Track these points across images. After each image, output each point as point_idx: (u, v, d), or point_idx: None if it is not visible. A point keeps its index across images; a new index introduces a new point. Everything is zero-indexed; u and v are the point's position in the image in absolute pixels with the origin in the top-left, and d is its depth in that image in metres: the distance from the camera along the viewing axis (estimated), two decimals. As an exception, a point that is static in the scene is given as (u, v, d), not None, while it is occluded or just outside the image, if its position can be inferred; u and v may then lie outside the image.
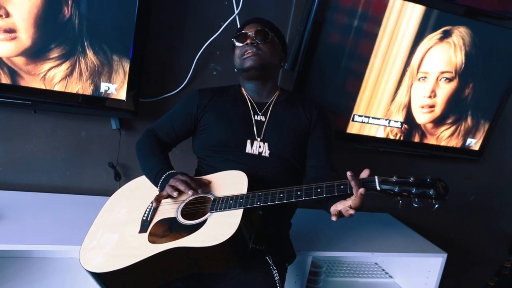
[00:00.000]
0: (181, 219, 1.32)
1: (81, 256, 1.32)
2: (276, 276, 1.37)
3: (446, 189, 1.10)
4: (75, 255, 1.87)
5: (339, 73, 2.09)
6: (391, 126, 2.26)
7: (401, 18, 2.07)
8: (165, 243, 1.24)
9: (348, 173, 1.16)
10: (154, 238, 1.28)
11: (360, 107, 2.18)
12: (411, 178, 1.13)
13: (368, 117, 2.21)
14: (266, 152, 1.48)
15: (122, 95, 1.83)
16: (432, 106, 2.30)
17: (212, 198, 1.35)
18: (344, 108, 2.16)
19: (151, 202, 1.41)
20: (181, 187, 1.34)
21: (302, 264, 1.87)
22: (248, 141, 1.49)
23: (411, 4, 2.05)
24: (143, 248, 1.25)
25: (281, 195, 1.25)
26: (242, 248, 1.24)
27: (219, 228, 1.22)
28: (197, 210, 1.34)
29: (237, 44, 1.54)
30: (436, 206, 1.08)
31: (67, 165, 1.98)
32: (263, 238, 1.46)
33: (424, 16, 2.09)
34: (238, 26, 1.96)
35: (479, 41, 2.24)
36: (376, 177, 1.16)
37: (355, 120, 2.20)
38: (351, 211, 1.18)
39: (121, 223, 1.40)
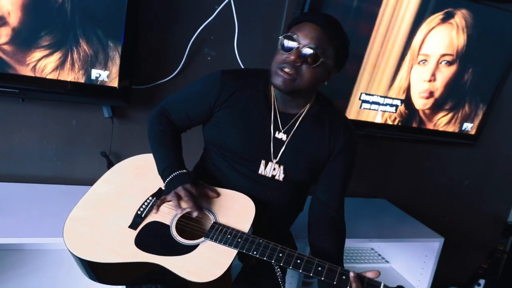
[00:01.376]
0: (174, 232, 1.26)
1: (66, 230, 1.26)
2: (278, 271, 1.34)
3: None
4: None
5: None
6: (389, 112, 2.23)
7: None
8: (149, 253, 1.19)
9: (351, 274, 1.10)
10: (140, 241, 1.23)
11: (358, 92, 2.15)
12: None
13: (368, 102, 2.18)
14: (280, 176, 1.37)
15: (114, 82, 1.77)
16: (431, 92, 2.28)
17: (212, 221, 1.28)
18: (342, 93, 2.13)
19: (151, 196, 1.35)
20: (186, 202, 1.26)
21: (300, 251, 1.85)
22: (263, 162, 1.36)
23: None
24: (127, 250, 1.21)
25: (280, 255, 1.16)
26: (225, 285, 1.20)
27: (207, 264, 1.17)
28: (193, 227, 1.29)
29: (278, 46, 1.28)
30: None
31: (58, 155, 1.93)
32: (263, 234, 1.40)
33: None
34: (234, 10, 1.91)
35: (480, 24, 2.22)
36: (382, 284, 1.09)
37: (355, 102, 2.17)
38: None
39: (114, 206, 1.33)
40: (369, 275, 1.13)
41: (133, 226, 1.27)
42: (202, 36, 1.93)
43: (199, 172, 1.50)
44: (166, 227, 1.27)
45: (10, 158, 1.87)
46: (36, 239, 1.52)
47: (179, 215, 1.30)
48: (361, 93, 2.16)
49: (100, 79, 1.75)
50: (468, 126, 2.47)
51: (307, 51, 1.23)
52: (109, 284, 1.29)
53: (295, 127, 1.37)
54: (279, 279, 1.33)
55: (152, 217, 1.30)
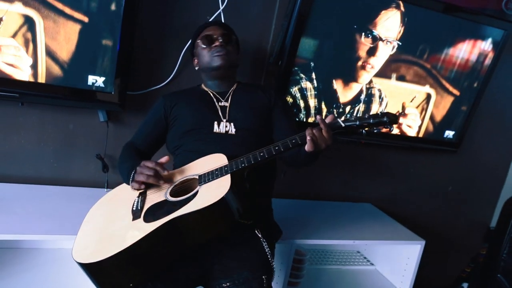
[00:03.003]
0: (172, 198, 1.35)
1: (74, 251, 1.27)
2: (267, 248, 1.46)
3: (395, 116, 1.32)
4: (63, 245, 1.94)
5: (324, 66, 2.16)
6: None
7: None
8: (161, 219, 1.25)
9: (318, 117, 1.36)
10: (148, 218, 1.29)
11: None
12: (367, 115, 1.35)
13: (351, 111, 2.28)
14: (232, 130, 1.61)
15: (109, 87, 1.85)
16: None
17: (197, 177, 1.41)
18: (330, 93, 2.23)
19: (137, 196, 1.43)
20: (144, 177, 1.41)
21: (286, 252, 1.93)
22: (215, 122, 1.62)
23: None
24: (141, 229, 1.25)
25: (261, 153, 1.35)
26: (236, 208, 1.28)
27: (211, 192, 1.27)
28: (185, 189, 1.40)
29: (203, 46, 1.69)
30: (392, 128, 1.30)
31: (55, 157, 2.00)
32: (249, 213, 1.50)
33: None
34: (223, 21, 2.01)
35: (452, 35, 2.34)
36: (338, 119, 1.37)
37: (339, 111, 2.27)
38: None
39: (110, 220, 1.39)
40: (328, 120, 1.39)
41: (135, 217, 1.33)
42: (194, 45, 2.02)
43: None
44: (164, 201, 1.36)
45: (9, 160, 1.94)
46: (33, 236, 1.58)
47: (170, 189, 1.40)
48: (339, 106, 2.25)
49: (96, 85, 1.84)
50: (449, 134, 2.57)
51: (224, 35, 1.68)
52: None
53: (231, 95, 1.71)
54: (268, 255, 1.45)
55: (148, 205, 1.38)
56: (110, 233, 1.31)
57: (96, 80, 1.83)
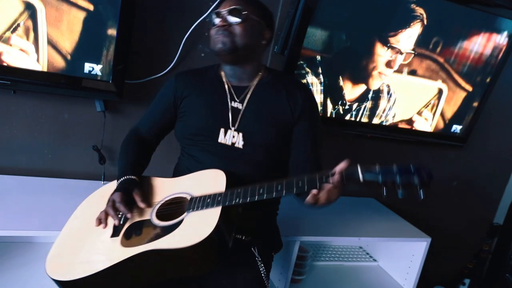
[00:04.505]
0: (155, 221, 1.25)
1: (48, 265, 1.23)
2: (262, 268, 1.35)
3: (430, 176, 1.03)
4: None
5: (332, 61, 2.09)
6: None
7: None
8: (138, 245, 1.17)
9: (337, 170, 1.11)
10: (127, 241, 1.22)
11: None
12: (394, 167, 1.05)
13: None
14: (239, 143, 1.38)
15: (107, 76, 1.76)
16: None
17: (188, 198, 1.28)
18: (336, 89, 2.15)
19: None
20: (110, 212, 1.28)
21: (290, 249, 1.88)
22: (222, 130, 1.39)
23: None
24: (116, 252, 1.19)
25: (261, 191, 1.16)
26: (221, 247, 1.18)
27: (195, 227, 1.16)
28: (173, 210, 1.28)
29: (211, 23, 1.39)
30: (422, 196, 1.03)
31: (49, 148, 1.92)
32: (248, 229, 1.42)
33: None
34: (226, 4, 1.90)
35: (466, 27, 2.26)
36: (358, 167, 1.07)
37: (345, 108, 2.20)
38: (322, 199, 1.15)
39: (90, 231, 1.31)
40: (342, 166, 1.11)
41: (115, 234, 1.26)
42: (196, 32, 1.94)
43: (177, 171, 1.54)
44: (147, 221, 1.27)
45: (1, 150, 1.86)
46: (25, 231, 1.51)
47: (157, 207, 1.30)
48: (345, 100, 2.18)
49: (93, 72, 1.75)
50: (457, 128, 2.50)
51: (230, 11, 1.33)
52: None
53: (249, 95, 1.42)
54: (263, 275, 1.35)
55: (131, 221, 1.29)
56: (86, 249, 1.25)
57: (93, 68, 1.75)
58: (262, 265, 1.38)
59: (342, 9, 1.99)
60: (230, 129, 1.39)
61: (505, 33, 2.33)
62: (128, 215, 1.26)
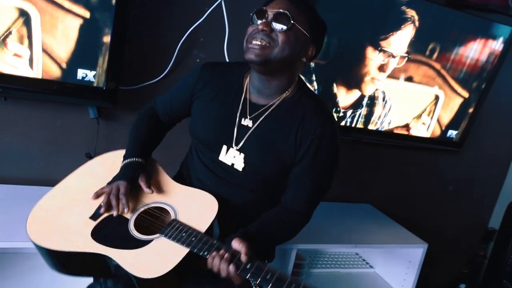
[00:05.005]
0: (131, 226, 1.25)
1: (30, 218, 1.27)
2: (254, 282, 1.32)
3: None
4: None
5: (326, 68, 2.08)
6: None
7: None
8: (102, 245, 1.19)
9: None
10: (97, 233, 1.23)
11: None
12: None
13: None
14: (239, 165, 1.30)
15: (100, 82, 1.74)
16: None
17: (172, 217, 1.27)
18: (331, 97, 2.14)
19: None
20: (112, 201, 1.27)
21: (286, 257, 1.87)
22: (224, 147, 1.32)
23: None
24: (83, 240, 1.21)
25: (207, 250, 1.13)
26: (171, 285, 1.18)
27: (155, 259, 1.15)
28: (151, 224, 1.27)
29: (251, 22, 1.24)
30: None
31: (41, 156, 1.89)
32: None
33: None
34: (224, 12, 1.89)
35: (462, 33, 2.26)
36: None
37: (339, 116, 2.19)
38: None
39: (80, 199, 1.33)
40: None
41: (93, 217, 1.27)
42: (191, 38, 1.92)
43: (182, 168, 1.52)
44: (125, 221, 1.27)
45: (-8, 159, 1.82)
46: (18, 243, 1.49)
47: (142, 209, 1.30)
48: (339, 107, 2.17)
49: (86, 79, 1.72)
50: (453, 133, 2.50)
51: (278, 13, 1.18)
52: (71, 274, 1.27)
53: (263, 116, 1.29)
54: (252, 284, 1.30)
55: (109, 212, 1.29)
56: (65, 222, 1.27)
57: (86, 74, 1.72)
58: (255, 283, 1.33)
59: (335, 15, 1.97)
60: (233, 147, 1.31)
61: (501, 39, 2.34)
62: (126, 210, 1.26)
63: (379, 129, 2.30)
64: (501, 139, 2.84)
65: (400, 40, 2.13)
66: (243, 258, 1.07)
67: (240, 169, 1.30)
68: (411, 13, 2.10)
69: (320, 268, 2.33)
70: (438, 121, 2.43)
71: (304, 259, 2.09)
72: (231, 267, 1.06)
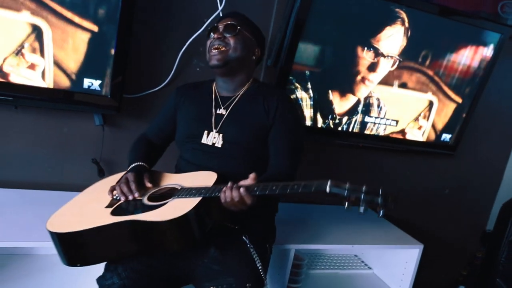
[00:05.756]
0: (145, 201, 1.39)
1: (49, 221, 1.37)
2: (255, 254, 1.43)
3: (395, 201, 1.10)
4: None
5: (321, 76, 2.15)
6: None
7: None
8: (123, 216, 1.30)
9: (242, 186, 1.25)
10: (116, 211, 1.35)
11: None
12: (364, 187, 1.13)
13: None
14: (219, 143, 1.54)
15: (105, 91, 1.82)
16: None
17: (179, 188, 1.42)
18: (326, 104, 2.21)
19: None
20: (123, 188, 1.42)
21: (285, 257, 1.91)
22: (205, 132, 1.57)
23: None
24: (103, 218, 1.31)
25: (217, 191, 1.28)
26: (188, 234, 1.27)
27: (172, 209, 1.28)
28: (163, 196, 1.41)
29: (207, 37, 1.59)
30: (381, 215, 1.10)
31: (49, 161, 1.97)
32: (239, 219, 1.48)
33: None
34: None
35: (453, 41, 2.33)
36: (329, 181, 1.14)
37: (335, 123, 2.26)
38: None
39: (93, 200, 1.48)
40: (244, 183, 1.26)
41: (109, 205, 1.40)
42: (191, 47, 2.01)
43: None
44: (139, 200, 1.40)
45: (3, 164, 1.91)
46: (26, 242, 1.56)
47: (152, 191, 1.45)
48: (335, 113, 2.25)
49: (92, 87, 1.81)
50: (446, 137, 2.57)
51: (225, 26, 1.52)
52: (84, 263, 1.34)
53: (233, 103, 1.59)
54: (256, 261, 1.43)
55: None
56: (83, 211, 1.42)
57: (92, 83, 1.81)
58: (254, 251, 1.44)
59: (329, 22, 2.06)
60: (212, 131, 1.56)
61: (491, 46, 2.41)
62: (136, 194, 1.41)
63: (375, 134, 2.37)
64: (495, 143, 2.88)
65: (389, 37, 2.18)
66: (252, 177, 1.26)
67: (220, 146, 1.54)
68: (401, 13, 2.17)
69: (319, 269, 2.37)
70: (432, 126, 2.50)
71: (302, 259, 2.13)
72: (242, 190, 1.23)
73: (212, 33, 1.56)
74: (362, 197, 1.10)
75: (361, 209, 1.10)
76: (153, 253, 1.39)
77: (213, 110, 1.60)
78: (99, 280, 1.37)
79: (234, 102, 1.60)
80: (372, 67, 2.22)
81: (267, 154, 1.57)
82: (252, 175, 1.27)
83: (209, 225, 1.32)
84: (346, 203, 1.11)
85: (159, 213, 1.29)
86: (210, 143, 1.55)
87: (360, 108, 2.29)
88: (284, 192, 1.18)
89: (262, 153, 1.57)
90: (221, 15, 1.98)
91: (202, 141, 1.56)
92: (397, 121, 2.40)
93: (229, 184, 1.26)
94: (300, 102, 2.16)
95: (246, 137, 1.54)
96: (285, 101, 1.60)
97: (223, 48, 1.51)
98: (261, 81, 1.70)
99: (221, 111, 1.59)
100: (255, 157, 1.56)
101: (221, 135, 1.54)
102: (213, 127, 1.57)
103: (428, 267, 2.72)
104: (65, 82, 1.77)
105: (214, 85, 1.66)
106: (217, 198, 1.28)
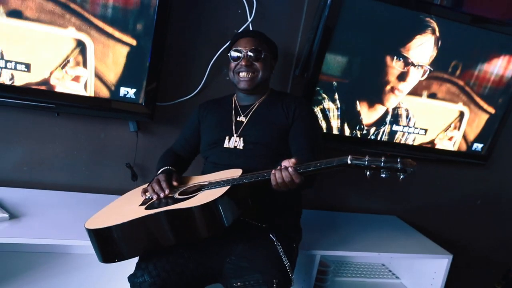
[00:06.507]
0: (177, 196, 1.47)
1: (87, 222, 1.44)
2: (281, 251, 1.49)
3: (413, 165, 1.14)
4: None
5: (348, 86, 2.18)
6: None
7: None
8: (156, 209, 1.37)
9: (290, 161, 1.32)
10: (150, 207, 1.42)
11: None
12: (382, 157, 1.17)
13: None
14: (240, 145, 1.64)
15: (140, 99, 1.92)
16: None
17: (207, 184, 1.49)
18: (354, 114, 2.23)
19: None
20: (155, 187, 1.51)
21: (311, 262, 1.94)
22: (227, 138, 1.66)
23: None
24: (138, 213, 1.37)
25: (265, 174, 1.35)
26: (216, 220, 1.32)
27: (203, 198, 1.34)
28: (193, 192, 1.47)
29: (232, 60, 1.69)
30: (402, 177, 1.15)
31: (87, 165, 2.07)
32: (264, 217, 1.57)
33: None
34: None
35: (484, 50, 2.30)
36: (349, 156, 1.21)
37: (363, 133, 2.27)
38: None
39: (127, 202, 1.57)
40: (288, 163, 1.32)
41: (143, 204, 1.48)
42: (221, 58, 2.08)
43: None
44: (171, 197, 1.48)
45: (44, 167, 2.03)
46: (64, 240, 1.64)
47: (182, 189, 1.52)
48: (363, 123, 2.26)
49: (127, 96, 1.90)
50: (478, 146, 2.53)
51: (251, 51, 1.65)
52: (121, 258, 1.39)
53: (252, 111, 1.71)
54: (283, 259, 1.49)
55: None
56: (119, 211, 1.49)
57: (127, 92, 1.90)
58: (281, 247, 1.51)
59: (357, 32, 2.08)
60: (233, 136, 1.66)
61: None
62: (166, 191, 1.49)
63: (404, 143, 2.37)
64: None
65: (419, 46, 2.18)
66: (294, 159, 1.32)
67: (241, 148, 1.64)
68: (431, 22, 2.17)
69: (346, 276, 2.38)
70: (464, 136, 2.47)
71: (329, 266, 2.14)
72: (290, 170, 1.30)
73: (235, 53, 1.67)
74: (382, 164, 1.15)
75: (383, 175, 1.15)
76: (185, 242, 1.43)
77: (233, 117, 1.71)
78: (131, 278, 1.44)
79: (253, 109, 1.71)
80: (402, 77, 2.22)
81: (288, 152, 1.64)
82: (293, 159, 1.33)
83: (238, 212, 1.38)
84: (368, 171, 1.17)
85: (190, 202, 1.36)
86: (232, 146, 1.65)
87: (388, 119, 2.29)
88: (326, 167, 1.24)
89: (284, 152, 1.64)
90: (250, 27, 2.05)
91: (224, 146, 1.66)
92: (426, 130, 2.38)
93: (279, 167, 1.33)
94: (327, 113, 2.18)
95: (267, 138, 1.64)
96: (302, 103, 1.72)
97: (253, 74, 1.65)
98: (278, 91, 1.83)
99: (241, 118, 1.70)
100: (277, 155, 1.62)
101: (241, 138, 1.65)
102: (234, 132, 1.67)
103: (459, 279, 2.67)
104: (105, 93, 1.88)
105: (235, 96, 1.79)
106: (246, 185, 1.38)
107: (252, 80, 1.66)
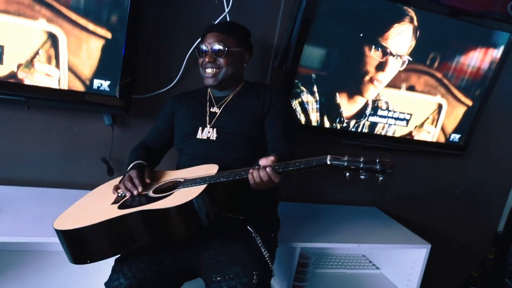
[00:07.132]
0: (151, 194, 1.42)
1: (55, 221, 1.40)
2: (259, 240, 1.47)
3: (392, 166, 1.14)
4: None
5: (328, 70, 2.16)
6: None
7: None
8: (130, 208, 1.33)
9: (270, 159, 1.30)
10: (123, 206, 1.38)
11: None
12: (361, 158, 1.17)
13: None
14: (213, 136, 1.62)
15: (114, 91, 1.87)
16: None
17: (183, 181, 1.46)
18: (333, 107, 2.22)
19: None
20: (127, 184, 1.47)
21: (291, 255, 1.93)
22: (200, 128, 1.64)
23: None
24: (110, 213, 1.34)
25: (243, 173, 1.32)
26: (194, 220, 1.29)
27: (179, 197, 1.31)
28: (168, 188, 1.44)
29: (198, 55, 1.66)
30: (381, 178, 1.14)
31: (60, 160, 2.02)
32: (241, 209, 1.54)
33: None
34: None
35: (462, 42, 2.32)
36: (328, 156, 1.20)
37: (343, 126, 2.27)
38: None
39: (97, 200, 1.53)
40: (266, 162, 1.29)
41: (115, 202, 1.44)
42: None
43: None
44: (145, 195, 1.44)
45: (15, 163, 1.97)
46: (37, 238, 1.60)
47: (156, 186, 1.49)
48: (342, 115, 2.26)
49: (101, 88, 1.85)
50: (455, 137, 2.55)
51: (215, 48, 1.60)
52: (94, 260, 1.35)
53: (226, 102, 1.69)
54: (262, 250, 1.47)
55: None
56: (89, 209, 1.46)
57: (101, 84, 1.85)
58: (259, 239, 1.49)
59: (335, 23, 2.07)
60: (206, 127, 1.64)
61: (501, 47, 2.40)
62: (140, 189, 1.44)
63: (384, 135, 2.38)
64: (506, 143, 2.85)
65: (397, 35, 2.17)
66: (273, 157, 1.30)
67: (214, 138, 1.62)
68: (409, 11, 2.16)
69: (326, 268, 2.38)
70: (442, 128, 2.49)
71: (309, 258, 2.14)
72: (268, 169, 1.28)
73: (198, 54, 1.65)
74: (361, 165, 1.14)
75: (362, 177, 1.15)
76: (162, 242, 1.41)
77: (207, 109, 1.69)
78: (107, 284, 1.40)
79: (227, 100, 1.69)
80: (381, 67, 2.22)
81: (264, 141, 1.63)
82: (271, 157, 1.31)
83: (216, 211, 1.35)
84: (347, 173, 1.16)
85: (166, 201, 1.32)
86: (205, 137, 1.63)
87: (368, 111, 2.29)
88: (305, 167, 1.22)
89: (260, 140, 1.63)
90: (228, 18, 2.02)
91: (197, 137, 1.64)
92: (407, 121, 2.39)
93: (256, 167, 1.30)
94: (306, 106, 2.17)
95: (241, 128, 1.62)
96: (277, 91, 1.71)
97: (216, 70, 1.62)
98: (253, 82, 1.79)
99: (215, 109, 1.68)
100: (254, 144, 1.62)
101: (215, 129, 1.63)
102: (208, 123, 1.65)
103: (437, 268, 2.71)
104: (79, 87, 1.83)
105: (209, 88, 1.75)
106: (223, 184, 1.34)
107: (215, 76, 1.62)
